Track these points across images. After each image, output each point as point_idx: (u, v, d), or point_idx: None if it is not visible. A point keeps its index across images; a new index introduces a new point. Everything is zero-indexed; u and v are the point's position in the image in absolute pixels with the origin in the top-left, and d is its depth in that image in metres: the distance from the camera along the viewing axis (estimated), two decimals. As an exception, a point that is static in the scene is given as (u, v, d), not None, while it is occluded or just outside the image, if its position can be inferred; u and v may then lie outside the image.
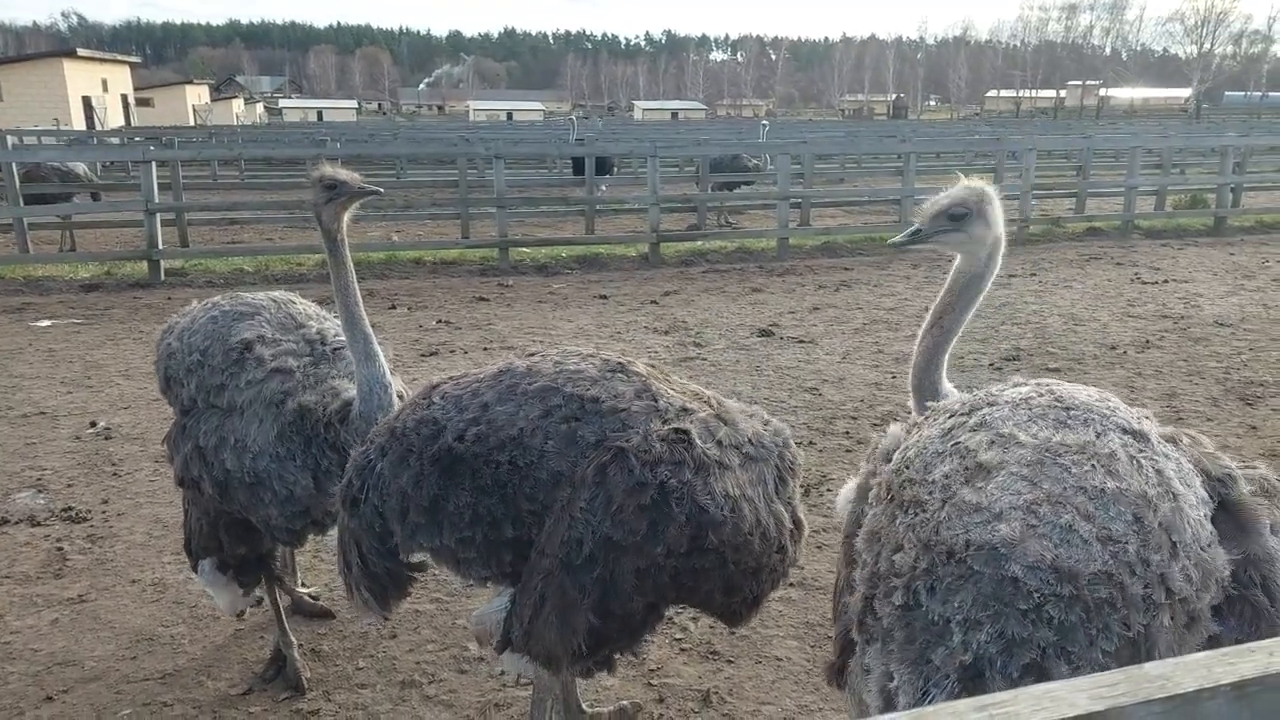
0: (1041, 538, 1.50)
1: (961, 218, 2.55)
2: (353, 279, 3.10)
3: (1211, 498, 1.66)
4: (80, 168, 13.84)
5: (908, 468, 1.75)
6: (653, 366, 2.69)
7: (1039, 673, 1.43)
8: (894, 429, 1.98)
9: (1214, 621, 1.55)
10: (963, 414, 1.83)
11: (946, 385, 2.72)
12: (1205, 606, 1.52)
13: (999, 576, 1.48)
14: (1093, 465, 1.61)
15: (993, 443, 1.68)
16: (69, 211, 13.47)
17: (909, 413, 2.59)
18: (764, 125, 23.84)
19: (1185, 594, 1.50)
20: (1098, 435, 1.68)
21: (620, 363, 2.59)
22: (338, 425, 2.97)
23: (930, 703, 1.45)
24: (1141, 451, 1.66)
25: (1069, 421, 1.72)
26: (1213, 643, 1.55)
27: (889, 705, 1.59)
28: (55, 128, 31.60)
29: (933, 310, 2.66)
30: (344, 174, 3.07)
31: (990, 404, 1.82)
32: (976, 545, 1.51)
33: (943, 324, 2.63)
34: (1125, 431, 1.71)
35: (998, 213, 2.55)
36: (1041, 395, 1.82)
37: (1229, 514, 1.65)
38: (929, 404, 2.09)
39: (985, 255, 2.57)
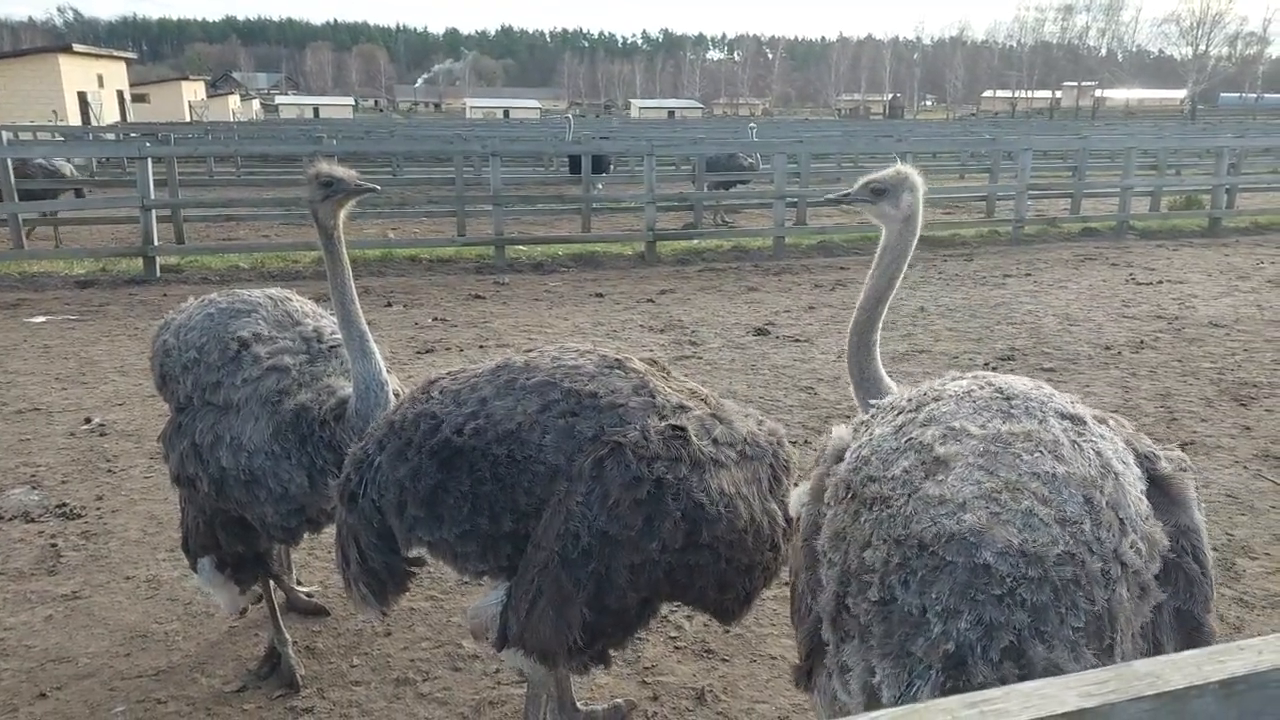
0: (1006, 524, 1.56)
1: (881, 193, 2.78)
2: (349, 276, 3.09)
3: (1144, 474, 1.75)
4: (66, 166, 13.77)
5: (865, 465, 1.78)
6: (653, 364, 2.69)
7: (1017, 655, 1.49)
8: (839, 430, 2.02)
9: (1159, 589, 1.63)
10: (911, 410, 1.88)
11: (882, 372, 2.82)
12: (1152, 576, 1.60)
13: (971, 564, 1.53)
14: (1040, 451, 1.68)
15: (945, 436, 1.74)
16: (67, 208, 13.43)
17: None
18: (751, 127, 23.72)
19: (1137, 566, 1.58)
20: (1040, 422, 1.75)
21: (618, 359, 2.60)
22: (333, 423, 2.97)
23: (915, 694, 1.52)
24: (1081, 435, 1.74)
25: (1012, 411, 1.79)
26: (1156, 611, 1.63)
27: (873, 700, 1.61)
28: (53, 122, 31.51)
29: (863, 291, 2.84)
30: (340, 171, 3.06)
31: (936, 399, 1.88)
32: (947, 536, 1.56)
33: (869, 300, 2.81)
34: (1064, 417, 1.79)
35: (913, 199, 2.75)
36: (983, 388, 1.89)
37: (1159, 489, 1.75)
38: (872, 402, 2.14)
39: (896, 232, 2.78)
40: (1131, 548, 1.58)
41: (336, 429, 2.95)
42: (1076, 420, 1.79)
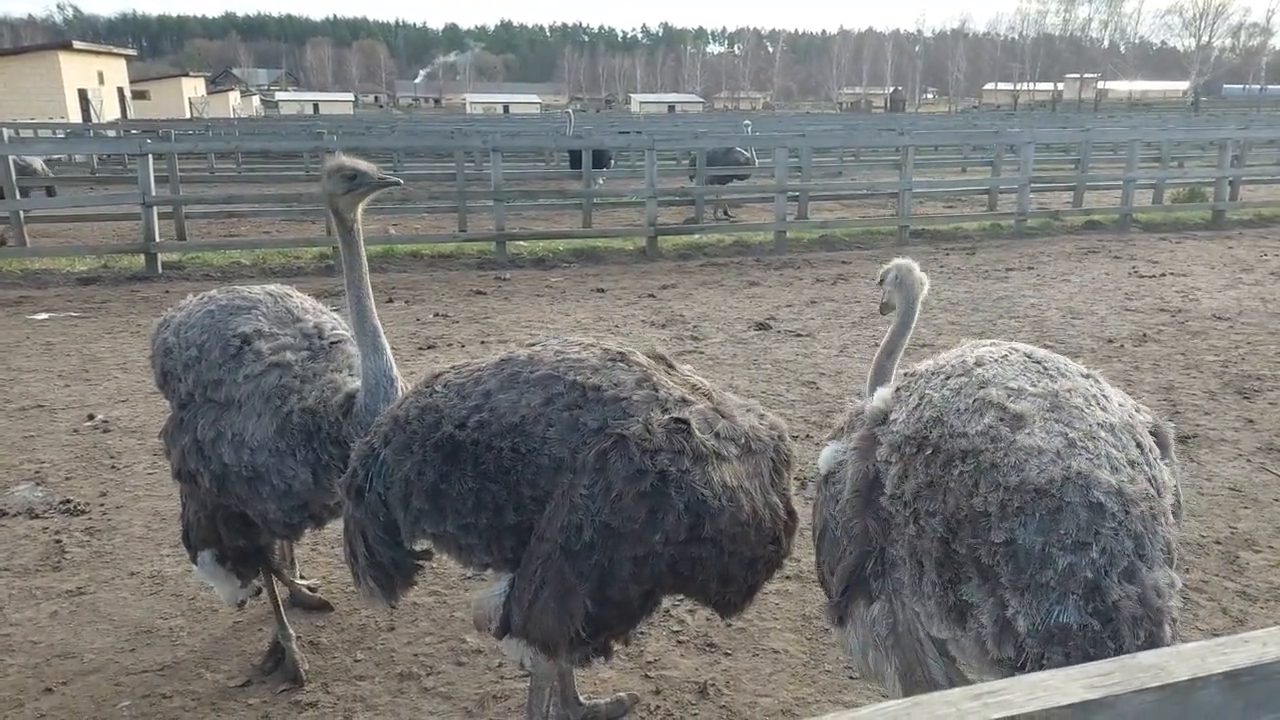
0: (1100, 467, 1.79)
1: (883, 280, 3.31)
2: (365, 271, 3.08)
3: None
4: (37, 162, 13.73)
5: (939, 424, 1.94)
6: (658, 358, 2.70)
7: (1131, 575, 1.73)
8: (881, 391, 2.22)
9: None
10: (960, 375, 2.06)
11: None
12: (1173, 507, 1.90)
13: (1089, 503, 1.75)
14: (1090, 404, 1.92)
15: (1011, 394, 1.93)
16: (67, 206, 13.43)
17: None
18: (747, 125, 23.60)
19: (1172, 500, 1.89)
20: (1071, 380, 1.99)
21: (621, 352, 2.60)
22: (341, 419, 2.96)
23: (1055, 619, 1.72)
24: (1102, 388, 2.01)
25: (1048, 370, 2.01)
26: None
27: (1005, 630, 1.77)
28: (50, 120, 31.49)
29: (885, 337, 3.24)
30: (363, 165, 3.04)
31: (978, 365, 2.07)
32: (1058, 479, 1.76)
33: (890, 343, 3.20)
34: (1083, 375, 2.05)
35: (912, 283, 3.20)
36: (1011, 353, 2.10)
37: (1154, 436, 2.03)
38: (905, 372, 2.29)
39: (904, 304, 3.22)
40: (1167, 486, 1.88)
41: (344, 424, 2.94)
42: (1092, 377, 2.04)
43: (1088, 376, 2.04)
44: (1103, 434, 1.84)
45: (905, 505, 1.95)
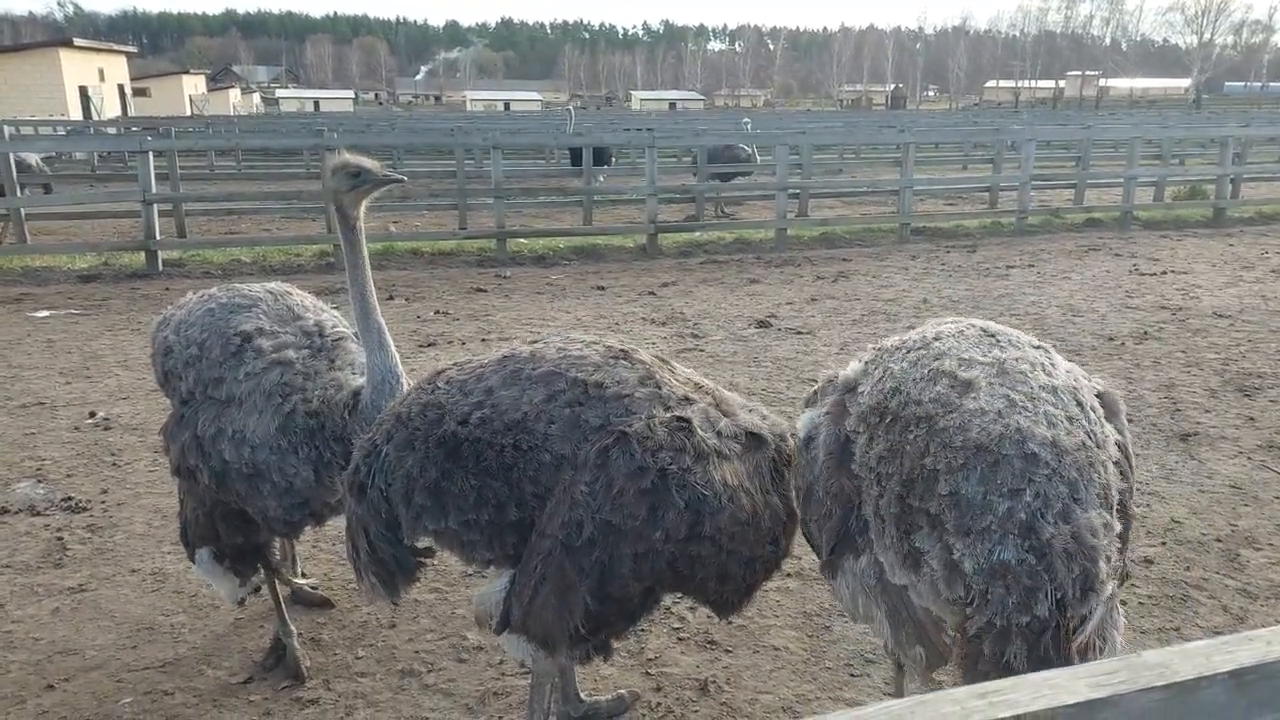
0: (1038, 423, 1.97)
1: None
2: (368, 268, 3.09)
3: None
4: (32, 159, 13.67)
5: (898, 394, 2.15)
6: (661, 360, 2.70)
7: (1066, 516, 1.90)
8: (843, 370, 2.42)
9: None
10: (919, 348, 2.26)
11: None
12: (1113, 460, 2.08)
13: (1024, 454, 1.93)
14: (1035, 370, 2.11)
15: (962, 364, 2.13)
16: (66, 203, 13.42)
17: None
18: (746, 123, 23.56)
19: (1112, 453, 2.07)
20: (1020, 350, 2.18)
21: (624, 349, 2.60)
22: (346, 417, 2.96)
23: (997, 558, 1.89)
24: (1050, 358, 2.20)
25: (1000, 343, 2.21)
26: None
27: (954, 572, 1.96)
28: (51, 117, 31.47)
29: None
30: (368, 161, 3.05)
31: (937, 338, 2.28)
32: (997, 436, 1.95)
33: None
34: (1034, 346, 2.24)
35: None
36: (968, 329, 2.31)
37: (1101, 400, 2.20)
38: (874, 346, 2.47)
39: None
40: (1108, 440, 2.07)
41: (349, 422, 2.94)
42: (1043, 349, 2.23)
43: (1039, 347, 2.23)
44: (1044, 395, 2.03)
45: (870, 470, 2.14)
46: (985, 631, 1.87)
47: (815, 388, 2.53)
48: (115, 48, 48.47)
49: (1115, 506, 2.00)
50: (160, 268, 11.23)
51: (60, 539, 4.47)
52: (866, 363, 2.38)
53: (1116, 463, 2.09)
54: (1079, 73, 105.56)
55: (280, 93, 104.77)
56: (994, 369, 2.10)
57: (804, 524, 2.49)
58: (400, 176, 3.19)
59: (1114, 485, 2.01)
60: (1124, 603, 3.89)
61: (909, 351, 2.26)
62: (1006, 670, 1.82)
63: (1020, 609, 1.85)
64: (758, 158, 16.98)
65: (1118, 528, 1.99)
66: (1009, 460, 1.93)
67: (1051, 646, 1.84)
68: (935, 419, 2.03)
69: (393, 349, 3.01)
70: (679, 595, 3.21)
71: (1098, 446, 2.01)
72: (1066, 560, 1.86)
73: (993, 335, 2.25)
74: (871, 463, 2.14)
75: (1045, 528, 1.87)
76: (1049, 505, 1.89)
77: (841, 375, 2.38)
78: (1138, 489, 5.23)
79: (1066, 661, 1.82)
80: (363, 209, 3.10)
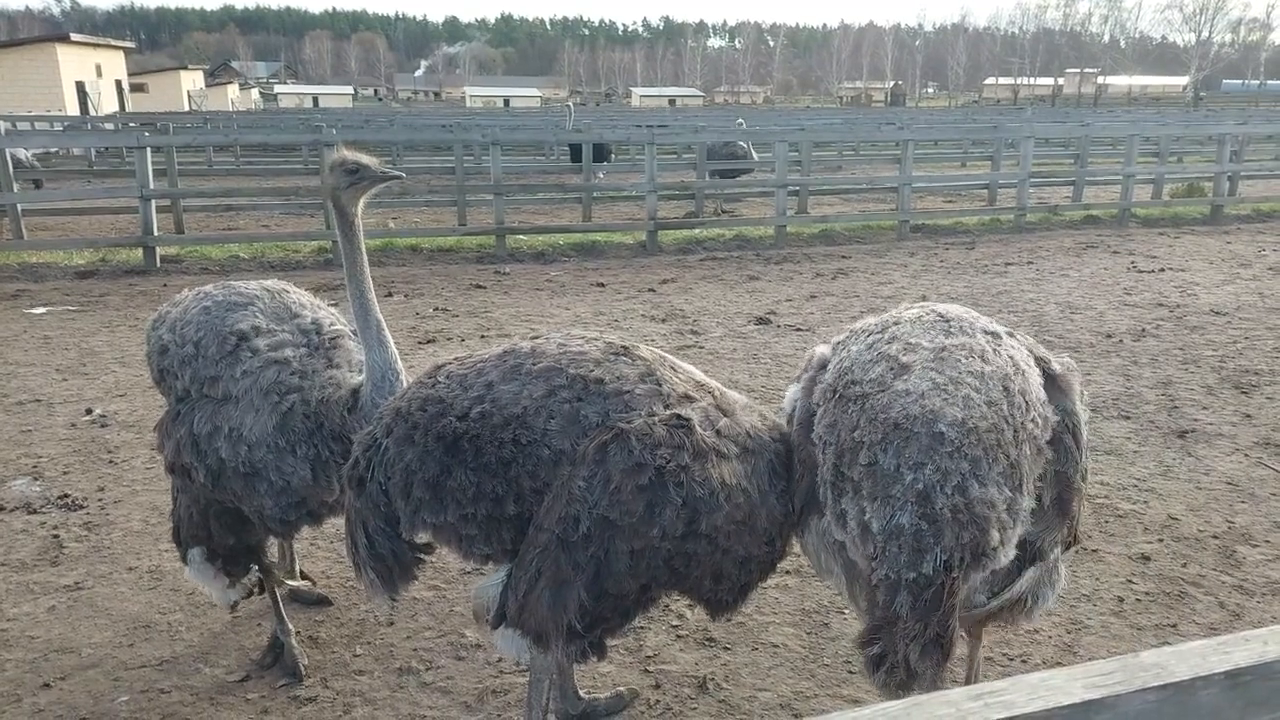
0: (953, 405, 2.17)
1: None
2: (366, 265, 3.08)
3: (1041, 372, 2.39)
4: (21, 153, 13.62)
5: (848, 374, 2.37)
6: (663, 358, 2.69)
7: (962, 490, 2.10)
8: (821, 348, 2.63)
9: (1049, 450, 2.28)
10: (877, 332, 2.49)
11: None
12: (1044, 441, 2.26)
13: (932, 433, 2.14)
14: (972, 356, 2.29)
15: (906, 349, 2.34)
16: (65, 198, 13.39)
17: None
18: (740, 122, 23.51)
19: (1035, 433, 2.24)
20: (970, 336, 2.38)
21: (624, 346, 2.60)
22: (346, 415, 2.95)
23: (895, 522, 2.11)
24: (999, 344, 2.38)
25: (950, 330, 2.41)
26: (1046, 468, 2.27)
27: (866, 531, 2.19)
28: (48, 112, 31.38)
29: None
30: (365, 158, 3.04)
31: (895, 324, 2.49)
32: (913, 416, 2.17)
33: None
34: (986, 333, 2.42)
35: None
36: (928, 315, 2.50)
37: (1052, 382, 2.38)
38: (849, 328, 2.66)
39: None
40: (1032, 422, 2.24)
41: (349, 420, 2.93)
42: (995, 335, 2.42)
43: (990, 334, 2.42)
44: (969, 380, 2.22)
45: (820, 440, 2.38)
46: (882, 583, 2.14)
47: (800, 365, 2.74)
48: (113, 43, 48.34)
49: (1027, 483, 2.20)
50: (158, 264, 11.20)
51: (56, 536, 4.46)
52: (836, 344, 2.60)
53: (1052, 441, 2.28)
54: (1078, 70, 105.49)
55: (279, 88, 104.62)
56: (931, 354, 2.30)
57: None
58: (398, 173, 3.19)
59: (1028, 463, 2.20)
60: (1121, 599, 3.90)
61: (868, 335, 2.50)
62: (895, 617, 2.10)
63: (909, 566, 2.09)
64: (754, 155, 16.94)
65: (1026, 502, 2.20)
66: (918, 437, 2.14)
67: (932, 601, 2.08)
68: (869, 397, 2.27)
69: (392, 346, 3.00)
70: (672, 592, 3.21)
71: (1013, 428, 2.18)
72: (955, 528, 2.07)
73: (946, 321, 2.45)
74: (821, 433, 2.38)
75: (939, 498, 2.09)
76: (947, 479, 2.10)
77: (817, 354, 2.61)
78: (1134, 485, 5.24)
79: (946, 615, 2.08)
80: (361, 206, 3.09)
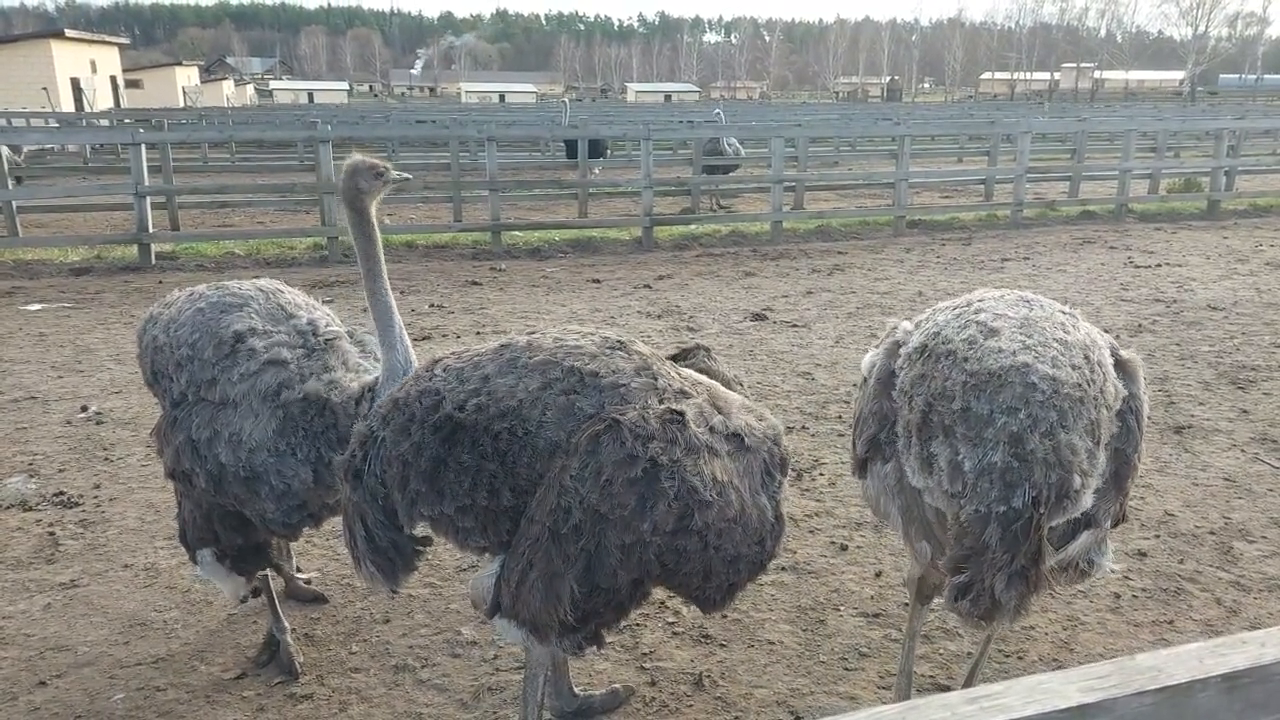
0: (1042, 362, 2.35)
1: None
2: (384, 266, 3.11)
3: (1111, 354, 2.55)
4: (4, 149, 13.56)
5: (938, 335, 2.54)
6: (661, 358, 2.69)
7: (1051, 434, 2.26)
8: (903, 323, 2.81)
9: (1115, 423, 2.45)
10: (963, 306, 2.67)
11: None
12: (1114, 411, 2.44)
13: (1025, 382, 2.31)
14: (1054, 326, 2.48)
15: (995, 317, 2.53)
16: (57, 195, 13.33)
17: None
18: (718, 113, 23.52)
19: (1109, 401, 2.41)
20: (1050, 313, 2.57)
21: (620, 340, 2.61)
22: (355, 414, 2.95)
23: (989, 460, 2.26)
24: (1075, 321, 2.57)
25: (1032, 306, 2.61)
26: (1111, 438, 2.42)
27: (957, 471, 2.33)
28: (45, 107, 31.25)
29: None
30: (379, 162, 3.10)
31: (980, 300, 2.69)
32: (1007, 367, 2.34)
33: None
34: (1063, 311, 2.62)
35: None
36: (1006, 294, 2.72)
37: (1120, 366, 2.55)
38: (931, 308, 2.82)
39: None
40: (1109, 389, 2.42)
41: (357, 419, 2.93)
42: (1071, 314, 2.62)
43: (1067, 313, 2.61)
44: (1055, 344, 2.40)
45: (904, 393, 2.54)
46: (972, 518, 2.28)
47: (881, 335, 2.92)
48: (107, 39, 48.15)
49: (1102, 442, 2.37)
50: (153, 261, 11.17)
51: (52, 534, 4.45)
52: (918, 321, 2.77)
53: (1120, 414, 2.45)
54: (1074, 65, 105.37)
55: (274, 84, 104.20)
56: (1018, 322, 2.49)
57: (852, 443, 2.90)
58: (407, 175, 3.26)
59: (1104, 425, 2.37)
60: (1118, 595, 3.90)
61: (955, 309, 2.68)
62: (984, 547, 2.23)
63: (1000, 500, 2.23)
64: (739, 150, 16.73)
65: (1102, 458, 2.36)
66: (1012, 385, 2.31)
67: (1020, 533, 2.22)
68: (961, 353, 2.44)
69: (411, 349, 3.02)
70: (662, 587, 3.21)
71: (1093, 390, 2.36)
72: (1045, 468, 2.24)
73: (1028, 300, 2.65)
74: (907, 386, 2.55)
75: (1031, 440, 2.25)
76: (1038, 424, 2.27)
77: (901, 327, 2.79)
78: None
79: (1032, 549, 2.21)
80: (375, 207, 3.14)
